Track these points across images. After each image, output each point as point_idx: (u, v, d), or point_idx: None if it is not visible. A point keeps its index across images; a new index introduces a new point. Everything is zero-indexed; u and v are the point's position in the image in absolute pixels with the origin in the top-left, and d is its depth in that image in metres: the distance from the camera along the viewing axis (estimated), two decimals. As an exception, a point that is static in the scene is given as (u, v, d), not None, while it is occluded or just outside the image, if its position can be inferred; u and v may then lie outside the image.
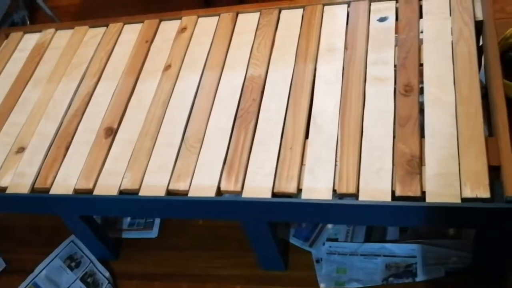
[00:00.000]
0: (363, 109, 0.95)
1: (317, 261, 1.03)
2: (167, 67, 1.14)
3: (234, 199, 0.89)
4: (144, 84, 1.13)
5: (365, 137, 0.91)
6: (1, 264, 1.24)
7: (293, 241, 1.09)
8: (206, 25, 1.20)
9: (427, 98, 0.93)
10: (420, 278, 0.96)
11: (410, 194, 0.82)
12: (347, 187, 0.86)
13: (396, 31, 1.04)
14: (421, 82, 0.96)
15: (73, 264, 1.15)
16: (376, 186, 0.85)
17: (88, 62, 1.21)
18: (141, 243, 1.18)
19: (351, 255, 1.02)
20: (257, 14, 1.17)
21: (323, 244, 1.05)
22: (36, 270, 1.14)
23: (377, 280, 0.98)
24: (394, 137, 0.90)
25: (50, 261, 1.15)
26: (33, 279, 1.13)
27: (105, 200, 0.96)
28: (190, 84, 1.09)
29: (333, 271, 1.01)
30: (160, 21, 1.25)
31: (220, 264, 1.09)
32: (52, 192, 1.00)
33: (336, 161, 0.90)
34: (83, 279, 1.13)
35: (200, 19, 1.21)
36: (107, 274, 1.12)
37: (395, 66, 0.99)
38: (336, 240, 1.05)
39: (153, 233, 1.18)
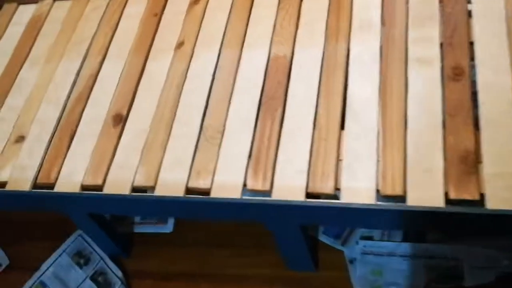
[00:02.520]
0: (405, 96, 0.84)
1: (351, 262, 0.95)
2: (180, 44, 1.02)
3: (264, 202, 0.79)
4: (154, 64, 1.01)
5: (410, 129, 0.80)
6: (4, 260, 1.15)
7: (323, 238, 0.99)
8: (221, -5, 1.07)
9: (481, 82, 0.81)
10: (467, 283, 0.88)
11: (467, 197, 0.72)
12: (392, 188, 0.76)
13: (440, 3, 0.92)
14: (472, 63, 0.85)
15: (81, 260, 1.06)
16: (426, 187, 0.74)
17: (91, 39, 1.09)
18: (155, 238, 1.09)
19: (388, 255, 0.93)
20: (279, -17, 1.04)
21: (357, 243, 0.96)
22: (43, 267, 1.05)
23: (418, 285, 0.89)
24: (444, 128, 0.79)
25: (57, 258, 1.07)
26: (40, 277, 1.05)
27: (118, 199, 0.86)
28: (206, 64, 0.97)
29: (368, 273, 0.92)
30: (170, -10, 1.12)
31: (241, 263, 1.00)
32: (56, 188, 0.90)
33: (378, 156, 0.79)
34: (93, 278, 1.04)
35: (214, -11, 1.09)
36: (119, 273, 1.04)
37: (440, 45, 0.88)
38: (371, 238, 0.96)
39: (168, 227, 1.09)
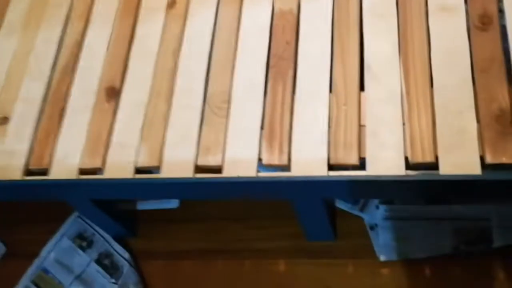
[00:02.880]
0: (429, 51, 0.76)
1: (371, 228, 0.90)
2: (172, 3, 0.91)
3: (284, 179, 0.72)
4: (145, 27, 0.91)
5: (436, 87, 0.73)
6: (0, 248, 1.09)
7: (340, 205, 0.94)
8: None
9: (511, 30, 0.74)
10: (496, 243, 0.84)
11: (506, 161, 0.67)
12: (422, 155, 0.70)
13: None
14: (500, 10, 0.77)
15: (84, 243, 1.00)
16: (459, 152, 0.68)
17: (70, 0, 0.98)
18: (161, 215, 1.02)
19: (412, 219, 0.88)
20: None
21: (377, 207, 0.91)
22: (43, 253, 0.99)
23: (446, 248, 0.85)
24: (474, 86, 0.73)
25: (57, 241, 1.00)
26: (41, 263, 0.99)
27: (121, 183, 0.79)
28: (203, 25, 0.88)
29: (392, 240, 0.88)
30: None
31: (256, 236, 0.95)
32: (51, 173, 0.82)
33: (403, 120, 0.73)
34: (98, 261, 0.98)
35: None
36: (126, 255, 0.98)
37: (464, -10, 0.79)
38: (392, 202, 0.90)
39: (174, 202, 1.02)
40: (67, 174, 0.81)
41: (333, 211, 0.94)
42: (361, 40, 0.80)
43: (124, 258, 0.98)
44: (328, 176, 0.71)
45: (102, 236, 1.00)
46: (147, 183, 0.78)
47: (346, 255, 0.90)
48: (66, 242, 1.00)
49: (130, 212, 1.04)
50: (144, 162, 0.79)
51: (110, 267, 0.98)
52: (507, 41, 0.74)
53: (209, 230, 0.98)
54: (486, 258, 0.84)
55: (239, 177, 0.73)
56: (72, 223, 1.02)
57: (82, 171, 0.82)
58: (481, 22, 0.76)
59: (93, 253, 0.99)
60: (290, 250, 0.92)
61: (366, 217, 0.92)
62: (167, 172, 0.78)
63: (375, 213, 0.91)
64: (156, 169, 0.79)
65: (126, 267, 0.97)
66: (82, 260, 0.99)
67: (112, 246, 0.98)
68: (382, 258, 0.88)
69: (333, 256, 0.90)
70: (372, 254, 0.89)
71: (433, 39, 0.77)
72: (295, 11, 0.85)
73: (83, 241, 1.00)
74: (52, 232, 1.01)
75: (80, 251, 0.99)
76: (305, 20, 0.84)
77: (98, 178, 0.79)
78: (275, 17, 0.85)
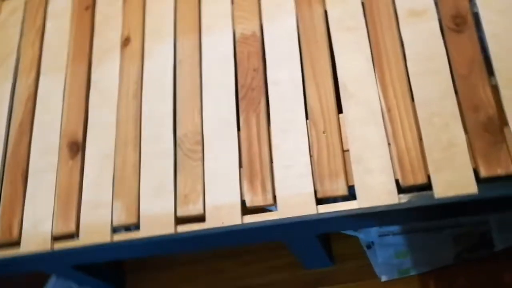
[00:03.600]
0: (404, 60, 0.72)
1: (368, 247, 0.86)
2: (125, 41, 0.85)
3: (271, 223, 0.67)
4: (100, 71, 0.85)
5: (418, 101, 0.69)
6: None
7: (333, 227, 0.90)
8: (160, -29, 0.90)
9: (488, 31, 0.70)
10: (498, 247, 0.81)
11: (501, 172, 0.63)
12: (413, 177, 0.65)
13: None
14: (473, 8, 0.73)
15: (72, 301, 0.95)
16: (451, 167, 0.64)
17: (17, 51, 0.91)
18: (148, 260, 0.97)
19: (409, 232, 0.84)
20: None
21: (372, 225, 0.87)
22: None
23: (448, 259, 0.82)
24: (456, 93, 0.69)
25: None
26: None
27: (101, 248, 0.73)
28: (162, 61, 0.82)
29: (391, 257, 0.84)
30: (96, -26, 0.93)
31: (253, 271, 0.90)
32: (23, 245, 0.76)
33: (388, 139, 0.69)
34: (89, 320, 0.93)
35: (149, -37, 0.91)
36: (117, 310, 0.93)
37: (431, -11, 0.75)
38: (386, 217, 0.87)
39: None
40: (40, 243, 0.75)
41: (327, 236, 0.90)
42: (332, 57, 0.75)
43: (115, 315, 0.92)
44: (318, 214, 0.66)
45: (90, 293, 0.94)
46: (126, 245, 0.72)
47: (347, 279, 0.86)
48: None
49: (117, 264, 0.98)
50: (120, 220, 0.74)
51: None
52: (483, 39, 0.70)
53: (202, 273, 0.93)
54: (489, 263, 0.81)
55: (224, 227, 0.68)
56: (55, 283, 0.96)
57: (56, 238, 0.76)
58: (455, 23, 0.71)
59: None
60: (289, 281, 0.88)
61: (362, 236, 0.88)
62: (147, 228, 0.72)
63: (370, 231, 0.87)
64: (134, 225, 0.74)
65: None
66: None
67: (101, 303, 0.93)
68: (384, 278, 0.84)
69: (333, 282, 0.86)
70: (373, 274, 0.85)
71: (407, 47, 0.72)
72: (258, 34, 0.79)
73: (71, 298, 0.95)
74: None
75: (68, 309, 0.94)
76: (270, 43, 0.78)
77: (74, 247, 0.73)
78: (237, 43, 0.80)
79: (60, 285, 0.97)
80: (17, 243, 0.77)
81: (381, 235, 0.86)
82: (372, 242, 0.86)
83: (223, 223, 0.69)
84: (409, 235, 0.84)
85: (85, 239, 0.74)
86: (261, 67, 0.77)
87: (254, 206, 0.70)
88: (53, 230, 0.76)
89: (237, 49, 0.79)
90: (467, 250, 0.82)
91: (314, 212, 0.66)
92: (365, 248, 0.87)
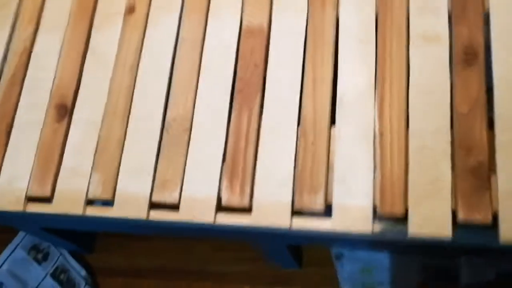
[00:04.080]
0: (407, 85, 0.70)
1: (337, 258, 0.86)
2: (130, 8, 0.83)
3: (242, 229, 0.67)
4: (100, 35, 0.83)
5: (412, 130, 0.68)
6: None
7: (308, 231, 0.90)
8: None
9: (497, 69, 0.68)
10: (464, 280, 0.81)
11: (478, 218, 0.62)
12: (391, 207, 0.65)
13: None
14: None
15: (39, 256, 0.95)
16: (431, 205, 0.64)
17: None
18: (120, 230, 0.97)
19: (380, 251, 0.85)
20: None
21: (345, 236, 0.87)
22: (-4, 265, 0.95)
23: (412, 284, 0.83)
24: (452, 129, 0.67)
25: (11, 252, 0.95)
26: (-7, 275, 0.94)
27: (71, 218, 0.73)
28: (164, 36, 0.80)
29: (358, 272, 0.84)
30: None
31: (221, 258, 0.91)
32: (-3, 199, 0.77)
33: (375, 163, 0.68)
34: (54, 275, 0.94)
35: None
36: (83, 272, 0.94)
37: (449, 15, 0.72)
38: (360, 232, 0.86)
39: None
40: (12, 202, 0.75)
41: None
42: (335, 66, 0.73)
43: (81, 276, 0.93)
44: (290, 228, 0.66)
45: (58, 250, 0.95)
46: (97, 220, 0.72)
47: (310, 284, 0.87)
48: (21, 253, 0.95)
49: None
50: (96, 193, 0.74)
51: (66, 283, 0.93)
52: (490, 78, 0.68)
53: (172, 248, 0.94)
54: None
55: (194, 224, 0.68)
56: (26, 234, 0.96)
57: (30, 199, 0.76)
58: (465, 56, 0.69)
59: (49, 267, 0.95)
60: (254, 275, 0.89)
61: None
62: (120, 207, 0.72)
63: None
64: (109, 201, 0.74)
65: (82, 285, 0.93)
66: (37, 273, 0.94)
67: (68, 262, 0.94)
68: (346, 290, 0.85)
69: (296, 284, 0.87)
70: (336, 285, 0.86)
71: (412, 72, 0.70)
72: (265, 27, 0.77)
73: (39, 253, 0.96)
74: (6, 243, 0.95)
75: (35, 264, 0.95)
76: (275, 38, 0.76)
77: (46, 212, 0.73)
78: (243, 34, 0.77)
79: (29, 240, 0.97)
80: (-10, 196, 0.77)
81: (352, 249, 0.86)
82: (342, 254, 0.86)
83: (194, 216, 0.69)
84: (379, 254, 0.85)
85: (58, 206, 0.74)
86: (262, 63, 0.75)
87: (229, 206, 0.69)
88: (28, 191, 0.76)
89: (242, 40, 0.77)
90: (433, 279, 0.83)
91: (287, 224, 0.66)
92: (334, 259, 0.87)
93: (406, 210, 0.65)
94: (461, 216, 0.63)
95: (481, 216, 0.62)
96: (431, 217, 0.63)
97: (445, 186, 0.65)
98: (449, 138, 0.66)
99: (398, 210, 0.65)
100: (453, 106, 0.68)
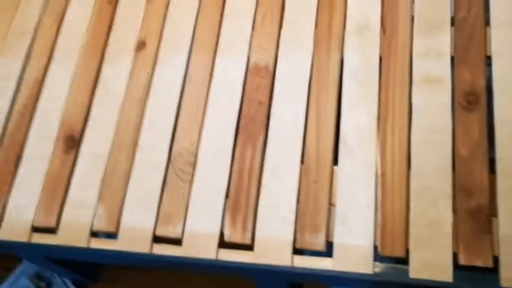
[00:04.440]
0: (409, 127, 0.71)
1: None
2: (141, 44, 0.85)
3: (244, 266, 0.68)
4: (111, 69, 0.85)
5: (414, 171, 0.68)
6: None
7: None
8: (189, -21, 0.89)
9: (499, 113, 0.69)
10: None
11: (479, 263, 0.63)
12: (392, 248, 0.65)
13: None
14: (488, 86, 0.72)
15: (42, 284, 0.96)
16: (432, 248, 0.64)
17: (34, 30, 0.91)
18: (123, 260, 0.98)
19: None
20: (259, -35, 0.86)
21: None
22: (-1, 293, 0.95)
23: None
24: (453, 171, 0.68)
25: (15, 280, 0.96)
26: (-3, 304, 0.95)
27: (76, 249, 0.74)
28: (173, 73, 0.82)
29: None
30: (126, -31, 0.92)
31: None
32: (3, 229, 0.77)
33: (376, 203, 0.68)
34: (56, 305, 0.95)
35: (180, -31, 0.90)
36: (85, 303, 0.95)
37: (451, 58, 0.74)
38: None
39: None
40: (19, 232, 0.76)
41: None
42: (339, 106, 0.75)
43: (83, 307, 0.94)
44: (291, 266, 0.66)
45: (61, 279, 0.96)
46: (100, 252, 0.73)
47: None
48: (24, 282, 0.96)
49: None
50: (100, 226, 0.75)
51: (69, 314, 0.94)
52: (492, 121, 0.69)
53: (171, 280, 0.94)
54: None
55: (197, 259, 0.69)
56: (28, 267, 0.97)
57: (36, 229, 0.77)
58: (467, 100, 0.70)
59: (52, 296, 0.95)
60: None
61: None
62: (124, 240, 0.73)
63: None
64: (113, 233, 0.74)
65: (84, 316, 0.93)
66: (39, 302, 0.95)
67: (71, 292, 0.95)
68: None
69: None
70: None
71: (415, 113, 0.71)
72: (271, 66, 0.79)
73: (42, 281, 0.97)
74: (10, 269, 0.96)
75: (39, 293, 0.96)
76: (280, 77, 0.78)
77: (50, 244, 0.74)
78: (249, 72, 0.79)
79: (33, 269, 0.98)
80: (-3, 225, 0.78)
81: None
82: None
83: (198, 252, 0.70)
84: None
85: (62, 238, 0.75)
86: (266, 101, 0.77)
87: (232, 242, 0.70)
88: (34, 221, 0.77)
89: (248, 78, 0.79)
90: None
91: (289, 263, 0.67)
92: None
93: (407, 250, 0.65)
94: (462, 260, 0.63)
95: (482, 261, 0.63)
96: (432, 260, 0.64)
97: (445, 228, 0.65)
98: (450, 180, 0.67)
99: (399, 251, 0.65)
100: (455, 149, 0.68)
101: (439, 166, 0.68)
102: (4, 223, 0.78)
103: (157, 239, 0.73)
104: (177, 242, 0.72)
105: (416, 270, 0.63)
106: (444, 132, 0.69)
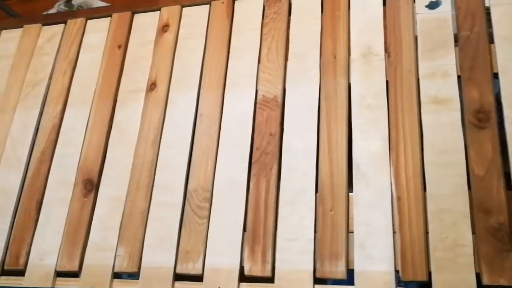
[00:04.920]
0: (421, 149, 0.71)
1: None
2: (151, 85, 0.87)
3: (267, 298, 0.68)
4: (124, 111, 0.87)
5: (430, 193, 0.68)
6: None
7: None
8: (193, 18, 0.91)
9: (510, 128, 0.69)
10: None
11: (503, 282, 0.62)
12: (414, 273, 0.65)
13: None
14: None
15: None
16: (454, 270, 0.64)
17: (48, 79, 0.94)
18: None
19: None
20: (260, 0, 0.89)
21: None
22: None
23: None
24: (469, 190, 0.67)
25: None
26: None
27: (99, 293, 0.75)
28: (184, 112, 0.83)
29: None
30: (133, 13, 0.95)
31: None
32: (27, 277, 0.78)
33: (394, 228, 0.68)
34: None
35: (184, 10, 0.92)
36: None
37: (458, 77, 0.74)
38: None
39: None
40: (43, 278, 0.78)
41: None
42: (350, 132, 0.75)
43: None
44: (314, 295, 0.66)
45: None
46: (124, 295, 0.74)
47: None
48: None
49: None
50: (122, 267, 0.75)
51: None
52: (504, 138, 0.69)
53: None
54: None
55: (218, 294, 0.69)
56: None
57: (59, 274, 0.78)
58: (477, 118, 0.70)
59: None
60: None
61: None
62: (146, 280, 0.73)
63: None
64: (135, 274, 0.75)
65: None
66: None
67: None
68: None
69: None
70: None
71: (426, 135, 0.71)
72: (279, 98, 0.80)
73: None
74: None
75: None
76: (289, 108, 0.79)
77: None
78: (258, 105, 0.80)
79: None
80: (22, 272, 0.79)
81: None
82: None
83: (219, 287, 0.70)
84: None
85: (85, 281, 0.76)
86: (277, 132, 0.78)
87: (252, 276, 0.70)
88: (57, 266, 0.78)
89: (257, 111, 0.80)
90: None
91: (310, 291, 0.66)
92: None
93: (429, 273, 0.64)
94: (485, 280, 0.62)
95: (506, 280, 0.62)
96: (455, 282, 0.63)
97: (466, 249, 0.64)
98: (467, 200, 0.66)
99: (420, 275, 0.64)
100: (469, 169, 0.68)
101: (455, 187, 0.68)
102: (27, 271, 0.79)
103: (178, 277, 0.73)
104: (198, 278, 0.72)
105: (440, 294, 0.63)
106: (457, 151, 0.69)
